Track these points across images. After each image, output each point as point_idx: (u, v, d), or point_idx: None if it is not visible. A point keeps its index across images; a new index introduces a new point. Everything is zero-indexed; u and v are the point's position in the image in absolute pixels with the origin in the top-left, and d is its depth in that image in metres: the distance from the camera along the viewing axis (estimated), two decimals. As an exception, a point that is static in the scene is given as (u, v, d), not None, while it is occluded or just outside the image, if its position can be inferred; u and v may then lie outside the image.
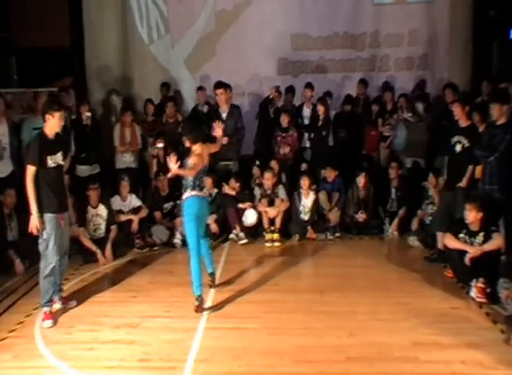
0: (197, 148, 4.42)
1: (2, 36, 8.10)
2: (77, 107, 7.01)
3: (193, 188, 4.39)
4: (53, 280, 4.27)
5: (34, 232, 4.16)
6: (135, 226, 6.14)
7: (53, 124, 4.18)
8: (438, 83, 7.90)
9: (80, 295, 4.73)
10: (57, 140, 4.27)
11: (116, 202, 6.24)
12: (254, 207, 6.43)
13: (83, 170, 6.72)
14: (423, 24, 8.00)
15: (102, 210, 5.89)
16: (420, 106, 6.96)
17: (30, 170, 4.11)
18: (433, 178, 6.04)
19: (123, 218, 6.15)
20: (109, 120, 7.41)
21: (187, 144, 4.54)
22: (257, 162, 6.86)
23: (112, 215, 5.97)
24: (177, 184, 6.74)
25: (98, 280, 5.25)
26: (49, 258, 4.20)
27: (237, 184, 6.56)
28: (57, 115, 4.16)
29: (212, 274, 4.81)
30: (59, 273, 4.37)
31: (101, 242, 5.79)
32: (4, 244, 5.41)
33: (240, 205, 6.44)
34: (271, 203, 6.48)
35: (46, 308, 4.24)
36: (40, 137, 4.20)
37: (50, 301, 4.29)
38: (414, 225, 6.18)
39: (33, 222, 4.14)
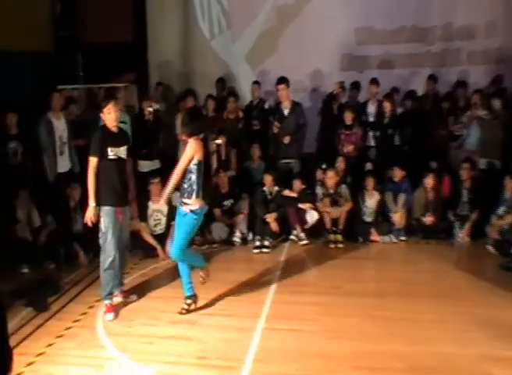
0: (192, 142, 4.20)
1: (68, 34, 8.51)
2: (139, 102, 7.29)
3: (198, 195, 4.24)
4: (113, 274, 4.42)
5: (89, 223, 4.32)
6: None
7: (109, 117, 4.35)
8: (516, 77, 7.55)
9: (140, 290, 4.90)
10: (119, 133, 4.46)
11: (177, 198, 6.31)
12: (315, 208, 6.43)
13: (145, 165, 6.93)
14: (500, 15, 7.68)
15: (163, 206, 5.98)
16: (497, 103, 6.69)
17: (92, 162, 4.31)
18: (510, 182, 5.78)
19: None
20: (171, 116, 7.60)
21: (183, 137, 4.53)
22: (324, 166, 6.76)
23: (173, 211, 5.97)
24: (238, 182, 6.94)
25: (158, 275, 5.39)
26: (108, 251, 4.34)
27: (298, 183, 6.58)
28: (110, 108, 4.31)
29: None
30: (119, 267, 4.52)
31: (161, 238, 5.93)
32: (70, 236, 5.71)
33: (300, 206, 6.46)
34: (334, 203, 6.47)
35: (107, 301, 4.42)
36: (103, 130, 4.40)
37: (110, 294, 4.45)
38: (491, 232, 5.94)
39: (89, 213, 4.30)
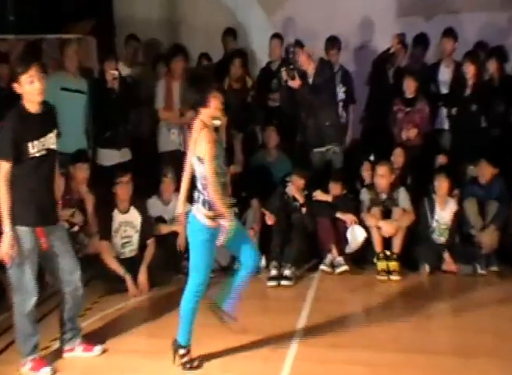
0: (205, 132, 4.20)
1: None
2: (100, 63, 7.36)
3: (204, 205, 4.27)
4: (34, 321, 4.44)
5: (6, 260, 4.21)
6: (182, 241, 6.26)
7: (31, 90, 4.15)
8: None
9: (101, 340, 4.86)
10: (43, 114, 4.31)
11: (156, 206, 6.46)
12: (360, 221, 6.47)
13: (108, 156, 7.01)
14: None
15: (134, 216, 6.10)
16: None
17: (3, 168, 4.13)
18: None
19: (165, 229, 6.34)
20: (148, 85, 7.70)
21: (189, 115, 4.47)
22: (372, 158, 6.91)
23: (150, 224, 6.18)
24: (245, 182, 7.00)
25: (127, 318, 5.39)
26: (26, 289, 4.32)
27: (338, 186, 6.64)
28: (32, 74, 4.10)
29: None
30: (72, 307, 4.59)
31: (132, 263, 5.99)
32: None
33: (339, 216, 6.48)
34: (386, 215, 6.47)
35: (31, 357, 4.43)
36: (17, 115, 4.21)
37: (33, 351, 4.45)
38: None
39: (4, 244, 4.16)
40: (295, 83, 6.77)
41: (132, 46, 8.07)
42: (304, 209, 6.51)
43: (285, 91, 7.11)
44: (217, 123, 6.83)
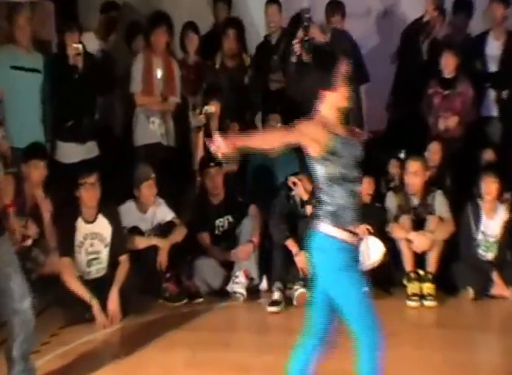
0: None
1: None
2: (60, 35, 7.33)
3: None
4: None
5: None
6: (163, 258, 6.31)
7: None
8: None
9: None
10: None
11: (130, 213, 6.50)
12: (380, 234, 6.37)
13: (71, 152, 7.00)
14: None
15: (103, 227, 6.06)
16: None
17: None
18: None
19: (142, 243, 6.35)
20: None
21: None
22: (402, 155, 6.96)
23: (123, 236, 6.18)
24: (241, 184, 7.10)
25: (94, 354, 5.33)
26: None
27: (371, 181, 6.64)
28: None
29: None
30: (24, 345, 4.47)
31: (100, 285, 5.94)
32: None
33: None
34: (418, 225, 6.46)
35: None
36: None
37: None
38: None
39: None
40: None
41: (109, 16, 7.93)
42: (309, 210, 6.41)
43: (295, 70, 6.95)
44: (210, 109, 6.89)
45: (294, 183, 6.48)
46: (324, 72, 3.83)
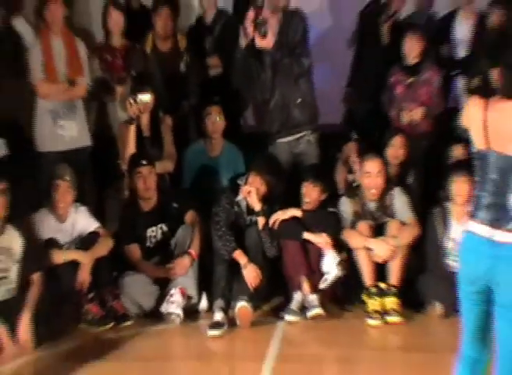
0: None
1: None
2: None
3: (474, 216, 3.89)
4: None
5: None
6: (85, 275, 6.23)
7: None
8: None
9: None
10: None
11: (46, 223, 6.39)
12: (335, 243, 6.46)
13: None
14: None
15: (12, 240, 5.94)
16: None
17: None
18: None
19: (60, 258, 6.22)
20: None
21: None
22: (354, 135, 7.17)
23: (35, 251, 6.02)
24: (178, 187, 7.38)
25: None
26: None
27: (316, 189, 6.59)
28: None
29: None
30: None
31: (8, 309, 5.78)
32: None
33: (308, 237, 6.49)
34: (378, 230, 6.48)
35: None
36: None
37: None
38: None
39: None
40: (267, 43, 6.72)
41: None
42: (261, 223, 6.49)
43: (245, 55, 7.03)
44: (145, 98, 6.78)
45: (249, 193, 6.48)
46: None
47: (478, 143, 3.78)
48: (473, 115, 3.76)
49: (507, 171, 3.66)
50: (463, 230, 3.90)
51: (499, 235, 3.64)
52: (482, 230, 3.68)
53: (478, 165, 3.83)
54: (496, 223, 3.66)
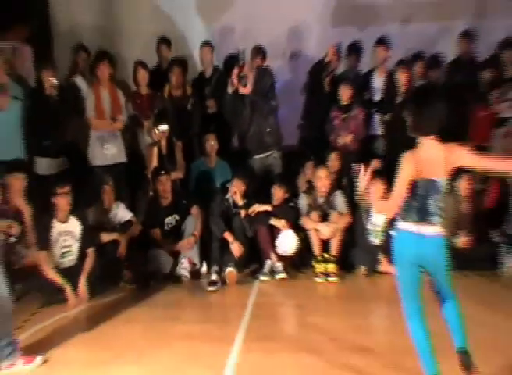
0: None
1: None
2: (37, 72, 7.23)
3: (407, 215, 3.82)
4: None
5: None
6: (123, 249, 6.30)
7: None
8: None
9: (41, 351, 4.70)
10: None
11: (95, 215, 6.42)
12: (294, 226, 6.53)
13: (46, 165, 6.91)
14: None
15: (74, 226, 5.99)
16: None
17: None
18: None
19: (106, 238, 6.30)
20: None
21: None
22: (312, 157, 7.02)
23: (89, 233, 6.09)
24: (186, 189, 7.07)
25: (67, 329, 5.28)
26: None
27: (282, 190, 6.69)
28: None
29: (463, 351, 4.04)
30: (4, 325, 4.41)
31: (71, 273, 5.88)
32: None
33: (272, 222, 6.54)
34: (324, 218, 6.52)
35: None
36: None
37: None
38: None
39: None
40: (247, 90, 6.85)
41: (82, 57, 7.71)
42: (243, 213, 6.55)
43: (232, 99, 7.04)
44: (164, 128, 6.85)
45: (235, 193, 6.55)
46: None
47: (411, 176, 3.66)
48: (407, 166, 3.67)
49: (429, 188, 3.68)
50: (396, 227, 3.88)
51: (423, 228, 3.72)
52: (412, 226, 3.71)
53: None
54: (421, 220, 3.71)
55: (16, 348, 4.53)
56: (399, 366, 4.34)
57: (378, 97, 7.38)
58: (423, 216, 3.69)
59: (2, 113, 6.59)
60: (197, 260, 6.53)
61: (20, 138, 6.81)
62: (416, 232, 3.70)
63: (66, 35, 8.44)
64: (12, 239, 6.07)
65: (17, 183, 6.20)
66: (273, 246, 6.45)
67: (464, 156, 3.61)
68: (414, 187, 3.68)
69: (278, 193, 6.68)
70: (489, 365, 4.29)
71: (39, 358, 4.57)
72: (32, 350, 4.70)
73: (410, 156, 3.62)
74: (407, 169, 3.60)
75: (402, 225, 3.77)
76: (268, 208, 6.61)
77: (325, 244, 6.45)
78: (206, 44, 7.78)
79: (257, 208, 6.58)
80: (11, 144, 6.66)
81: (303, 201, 6.70)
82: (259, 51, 7.24)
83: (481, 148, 6.95)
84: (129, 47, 8.29)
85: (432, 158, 3.60)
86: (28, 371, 4.49)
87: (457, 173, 6.35)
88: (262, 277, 6.37)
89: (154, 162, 6.93)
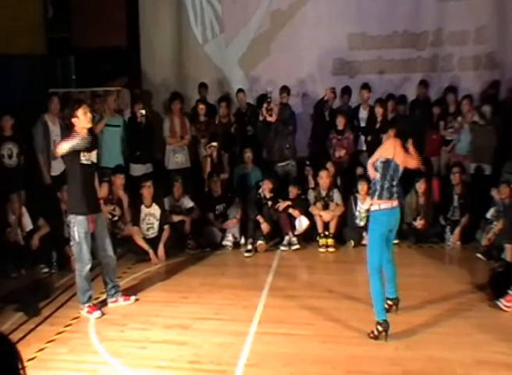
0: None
1: (62, 36, 8.35)
2: (132, 106, 7.31)
3: (381, 196, 3.93)
4: (89, 280, 4.47)
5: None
6: (187, 227, 6.29)
7: (85, 118, 4.27)
8: (508, 83, 7.56)
9: (133, 294, 4.84)
10: (91, 138, 4.38)
11: (169, 203, 6.41)
12: (305, 213, 6.42)
13: (137, 169, 6.94)
14: (491, 20, 7.60)
15: (155, 209, 6.02)
16: (487, 109, 6.72)
17: None
18: (506, 189, 5.82)
19: (176, 218, 6.28)
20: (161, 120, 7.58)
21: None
22: (308, 162, 6.93)
23: (165, 215, 6.11)
24: (230, 187, 6.97)
25: (150, 279, 5.36)
26: (84, 260, 4.35)
27: (296, 188, 6.60)
28: (84, 108, 4.27)
29: (395, 299, 4.31)
30: (110, 272, 4.57)
31: (153, 242, 5.92)
32: (61, 240, 5.66)
33: (290, 211, 6.43)
34: (325, 207, 6.48)
35: (87, 304, 4.45)
36: (74, 135, 4.26)
37: (89, 300, 4.45)
38: (481, 239, 5.98)
39: None
40: (272, 119, 6.69)
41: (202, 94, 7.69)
42: (270, 203, 6.45)
43: (262, 124, 6.92)
44: (215, 144, 6.85)
45: (265, 189, 6.44)
46: None
47: (388, 155, 3.91)
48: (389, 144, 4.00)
49: (394, 170, 3.90)
50: (370, 205, 4.06)
51: (393, 203, 3.88)
52: (386, 204, 3.87)
53: (382, 166, 3.95)
54: (392, 197, 3.89)
55: (118, 290, 4.69)
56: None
57: (363, 124, 7.24)
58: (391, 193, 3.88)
59: (109, 137, 6.69)
60: (237, 235, 6.42)
61: (120, 151, 6.91)
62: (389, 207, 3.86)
63: (152, 82, 8.53)
64: (116, 218, 6.20)
65: (118, 180, 6.29)
66: (290, 226, 6.38)
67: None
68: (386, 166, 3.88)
69: (293, 190, 6.53)
70: (413, 299, 4.48)
71: (133, 298, 4.73)
72: (128, 292, 4.86)
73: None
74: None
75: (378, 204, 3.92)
76: (289, 203, 6.46)
77: (326, 225, 6.35)
78: (240, 90, 7.62)
79: (282, 205, 6.41)
80: (115, 155, 6.77)
81: (310, 195, 6.62)
82: (286, 89, 7.21)
83: (428, 160, 7.00)
84: (193, 88, 8.18)
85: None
86: (126, 306, 4.65)
87: (417, 176, 6.42)
88: (282, 248, 6.27)
89: (208, 168, 6.88)
